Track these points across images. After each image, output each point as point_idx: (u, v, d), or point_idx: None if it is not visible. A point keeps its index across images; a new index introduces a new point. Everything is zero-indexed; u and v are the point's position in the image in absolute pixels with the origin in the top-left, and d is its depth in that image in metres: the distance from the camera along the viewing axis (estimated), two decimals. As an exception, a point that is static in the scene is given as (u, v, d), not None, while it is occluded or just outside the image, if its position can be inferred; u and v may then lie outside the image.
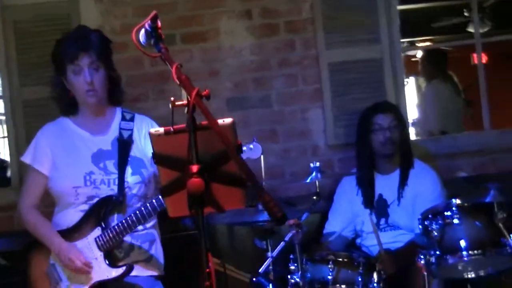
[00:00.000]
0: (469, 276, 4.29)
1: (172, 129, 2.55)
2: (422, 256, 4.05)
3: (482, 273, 4.27)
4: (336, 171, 5.61)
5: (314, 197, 4.29)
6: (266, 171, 5.19)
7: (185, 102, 2.49)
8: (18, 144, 5.47)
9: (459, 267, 4.22)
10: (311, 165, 4.33)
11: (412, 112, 10.02)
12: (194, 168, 2.44)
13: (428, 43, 9.47)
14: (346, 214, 5.11)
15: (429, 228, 4.14)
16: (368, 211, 4.99)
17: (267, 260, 4.03)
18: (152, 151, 2.64)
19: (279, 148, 5.64)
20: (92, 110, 4.02)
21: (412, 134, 7.91)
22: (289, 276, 4.23)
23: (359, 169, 5.10)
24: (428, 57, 7.43)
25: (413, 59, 9.61)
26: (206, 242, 2.47)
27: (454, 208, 4.10)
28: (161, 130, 2.58)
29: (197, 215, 2.47)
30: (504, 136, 5.72)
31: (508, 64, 10.22)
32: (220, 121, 2.53)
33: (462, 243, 4.05)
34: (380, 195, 5.00)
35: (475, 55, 11.17)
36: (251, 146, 3.73)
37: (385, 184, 5.02)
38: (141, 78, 5.60)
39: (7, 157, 5.79)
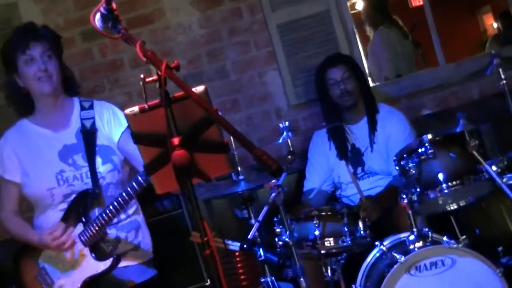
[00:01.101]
0: (451, 208, 4.35)
1: (146, 106, 2.52)
2: (404, 196, 4.08)
3: (463, 203, 4.33)
4: (301, 130, 5.64)
5: (289, 156, 4.28)
6: (234, 140, 5.22)
7: (155, 77, 2.46)
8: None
9: (441, 201, 4.27)
10: (280, 125, 4.33)
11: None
12: (176, 140, 2.43)
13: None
14: (323, 169, 5.15)
15: (406, 168, 4.16)
16: (344, 162, 5.03)
17: (254, 226, 4.02)
18: (130, 131, 2.62)
19: (242, 116, 5.66)
20: (48, 103, 3.90)
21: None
22: (276, 239, 4.24)
23: (328, 123, 5.12)
24: (371, 5, 7.44)
25: (353, 11, 9.66)
26: (200, 212, 2.45)
27: (427, 144, 4.11)
28: (136, 109, 2.56)
29: (186, 187, 2.45)
30: (459, 69, 5.79)
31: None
32: (194, 89, 2.51)
33: (440, 176, 4.08)
34: (353, 145, 5.05)
35: (412, -1, 11.32)
36: None
37: (356, 134, 5.06)
38: (94, 70, 5.57)
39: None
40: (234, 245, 4.16)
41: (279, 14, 5.65)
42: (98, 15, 2.68)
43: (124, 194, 3.69)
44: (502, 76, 4.06)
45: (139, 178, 3.65)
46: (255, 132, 5.63)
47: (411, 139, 4.85)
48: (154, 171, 2.64)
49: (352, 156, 5.05)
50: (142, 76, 2.50)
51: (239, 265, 4.80)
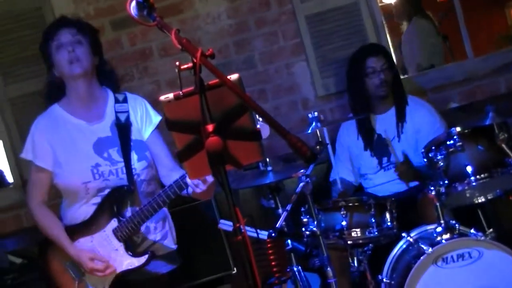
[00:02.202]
0: (479, 200, 4.36)
1: (181, 93, 2.55)
2: (432, 188, 4.09)
3: (490, 196, 4.33)
4: (328, 121, 5.64)
5: (318, 147, 4.29)
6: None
7: (190, 64, 2.49)
8: (13, 143, 5.47)
9: (468, 193, 4.28)
10: (310, 115, 4.36)
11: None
12: (210, 127, 2.46)
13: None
14: (349, 160, 5.18)
15: (434, 160, 4.18)
16: (369, 152, 5.05)
17: (283, 215, 4.05)
18: (164, 118, 2.64)
19: (269, 106, 5.67)
20: (81, 90, 3.89)
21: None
22: (303, 229, 4.26)
23: (355, 113, 5.14)
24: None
25: (381, 4, 9.64)
26: (232, 198, 2.48)
27: (455, 136, 4.13)
28: (171, 96, 2.58)
29: (219, 173, 2.48)
30: (487, 62, 5.77)
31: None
32: (229, 77, 2.54)
33: (469, 169, 4.09)
34: (379, 135, 5.06)
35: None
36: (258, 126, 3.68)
37: (383, 124, 5.07)
38: (123, 59, 5.61)
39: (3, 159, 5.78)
40: (262, 234, 4.19)
41: (308, 5, 5.66)
42: (133, 3, 2.70)
43: (162, 194, 3.71)
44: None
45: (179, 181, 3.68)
46: (282, 122, 5.52)
47: (442, 131, 4.85)
48: (187, 157, 2.66)
49: (377, 145, 5.06)
50: (177, 63, 2.52)
51: (270, 251, 4.83)
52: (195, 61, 2.46)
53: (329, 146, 4.54)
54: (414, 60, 7.06)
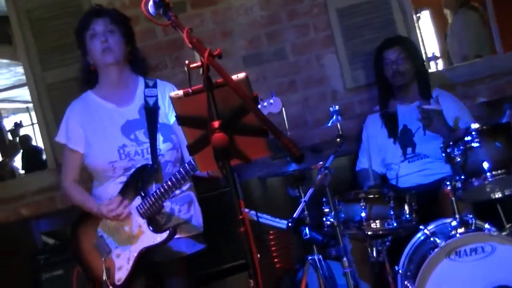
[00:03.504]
0: (496, 196, 4.40)
1: (190, 90, 2.68)
2: (448, 183, 4.17)
3: (508, 191, 4.37)
4: (357, 113, 5.74)
5: (338, 140, 4.40)
6: (289, 121, 5.36)
7: (199, 63, 2.62)
8: (49, 127, 5.64)
9: (485, 189, 4.33)
10: (331, 109, 4.47)
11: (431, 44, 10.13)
12: (216, 123, 2.58)
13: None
14: (374, 150, 5.27)
15: (452, 155, 4.24)
16: (392, 141, 5.14)
17: (300, 205, 4.17)
18: (175, 113, 2.78)
19: (299, 97, 5.78)
20: (113, 77, 4.10)
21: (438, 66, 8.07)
22: (324, 219, 4.39)
23: (381, 103, 5.26)
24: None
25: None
26: (237, 190, 2.60)
27: (473, 133, 4.19)
28: (180, 92, 2.72)
29: (225, 167, 2.61)
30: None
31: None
32: (234, 77, 2.66)
33: (485, 164, 4.14)
34: (405, 126, 5.15)
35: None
36: (271, 101, 3.80)
37: (408, 115, 5.15)
38: (156, 48, 5.74)
39: (39, 143, 5.98)
40: (282, 223, 4.31)
41: (340, -2, 5.75)
42: (150, 2, 2.84)
43: (182, 170, 3.83)
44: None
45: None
46: (310, 113, 5.75)
47: (467, 118, 4.96)
48: (197, 151, 2.80)
49: (402, 136, 5.14)
50: (186, 62, 2.65)
51: (272, 242, 4.94)
52: (202, 60, 2.57)
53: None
54: (460, 51, 7.13)
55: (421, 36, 9.70)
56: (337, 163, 5.15)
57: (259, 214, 4.23)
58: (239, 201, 2.59)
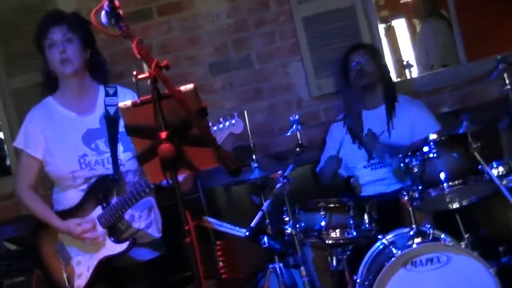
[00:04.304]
0: (454, 206, 4.45)
1: (138, 101, 2.70)
2: (405, 193, 4.21)
3: (465, 202, 4.42)
4: (322, 122, 5.78)
5: (297, 149, 4.43)
6: (255, 129, 5.38)
7: (147, 74, 2.63)
8: (13, 133, 5.59)
9: (443, 199, 4.38)
10: (291, 118, 4.49)
11: (406, 52, 10.19)
12: (163, 134, 2.60)
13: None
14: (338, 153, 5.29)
15: (410, 166, 4.29)
16: (357, 145, 5.19)
17: (258, 215, 4.19)
18: (124, 123, 2.79)
19: (264, 105, 5.82)
20: (73, 85, 4.05)
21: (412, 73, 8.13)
22: (284, 227, 4.42)
23: (346, 109, 5.34)
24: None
25: (402, 1, 9.72)
26: (183, 201, 2.62)
27: (431, 143, 4.24)
28: (129, 103, 2.74)
29: (171, 178, 2.62)
30: (480, 68, 5.81)
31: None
32: (182, 88, 2.68)
33: (442, 175, 4.19)
34: (369, 130, 5.17)
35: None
36: (233, 121, 3.79)
37: (373, 118, 5.21)
38: (124, 54, 5.72)
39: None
40: (241, 232, 4.32)
41: (306, 6, 5.78)
42: (103, 13, 2.85)
43: (143, 183, 3.81)
44: (507, 81, 4.14)
45: None
46: (276, 121, 5.77)
47: (437, 128, 5.00)
48: (146, 161, 2.82)
49: (366, 139, 5.18)
50: (134, 72, 2.67)
51: (219, 253, 4.95)
52: (150, 71, 2.58)
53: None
54: (427, 60, 7.17)
55: (390, 44, 9.85)
56: (300, 172, 5.23)
57: (218, 223, 4.24)
58: (185, 212, 2.59)
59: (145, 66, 2.69)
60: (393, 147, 4.97)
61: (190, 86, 2.70)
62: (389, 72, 5.44)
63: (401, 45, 10.30)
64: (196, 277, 2.60)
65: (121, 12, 2.87)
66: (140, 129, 2.76)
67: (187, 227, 2.63)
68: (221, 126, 3.72)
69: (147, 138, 2.76)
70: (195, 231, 2.67)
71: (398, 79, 6.30)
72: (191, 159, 2.79)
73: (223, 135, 3.74)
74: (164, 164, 2.59)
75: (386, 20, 10.47)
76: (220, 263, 4.93)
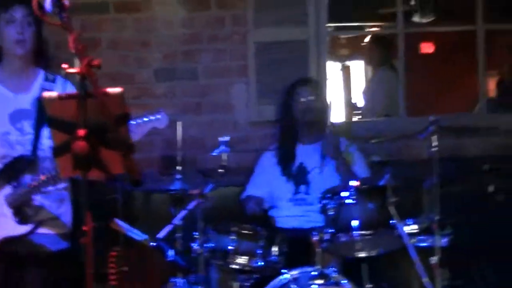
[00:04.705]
0: (361, 255, 4.50)
1: (64, 95, 2.70)
2: (316, 233, 4.27)
3: (373, 253, 4.47)
4: (255, 148, 5.81)
5: (220, 170, 4.47)
6: (188, 141, 5.39)
7: (77, 69, 2.64)
8: None
9: (352, 246, 4.43)
10: (220, 139, 4.53)
11: (357, 96, 10.32)
12: (82, 132, 2.61)
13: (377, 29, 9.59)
14: (263, 185, 5.31)
15: (326, 207, 4.35)
16: (285, 178, 5.21)
17: (167, 227, 4.21)
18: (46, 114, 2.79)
19: (202, 120, 5.85)
20: (16, 65, 4.05)
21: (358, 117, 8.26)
22: (192, 244, 4.44)
23: (281, 140, 5.33)
24: (376, 43, 7.65)
25: (363, 44, 9.85)
26: (86, 201, 2.62)
27: (352, 190, 4.31)
28: (54, 94, 2.74)
29: (82, 176, 2.63)
30: (419, 123, 5.91)
31: (454, 54, 10.48)
32: (110, 90, 2.69)
33: (355, 222, 4.26)
34: (301, 163, 5.21)
35: (423, 45, 11.48)
36: (158, 116, 3.82)
37: (307, 153, 5.23)
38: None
39: None
40: (149, 241, 4.33)
41: (261, 32, 5.84)
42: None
43: (55, 172, 3.78)
44: (433, 144, 4.22)
45: None
46: (211, 138, 5.74)
47: (366, 174, 5.08)
48: (60, 154, 2.82)
49: (297, 173, 5.21)
50: (64, 66, 2.67)
51: (112, 259, 4.94)
52: (80, 68, 2.59)
53: None
54: (372, 108, 7.26)
55: (345, 84, 9.96)
56: (223, 193, 5.23)
57: (128, 228, 4.24)
58: (87, 213, 2.59)
59: (77, 61, 2.67)
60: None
61: (117, 90, 2.71)
62: (329, 112, 5.50)
63: (354, 86, 10.44)
64: (84, 278, 2.59)
65: (67, 3, 2.84)
66: (60, 122, 2.76)
67: (85, 227, 2.62)
68: (145, 119, 3.74)
69: (65, 132, 2.76)
70: (106, 232, 2.68)
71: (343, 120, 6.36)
72: (105, 162, 2.79)
73: (145, 129, 3.75)
74: (76, 161, 2.60)
75: (344, 59, 10.62)
76: (111, 269, 4.91)
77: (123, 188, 5.22)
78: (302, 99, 5.22)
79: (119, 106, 2.68)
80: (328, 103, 5.47)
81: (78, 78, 2.66)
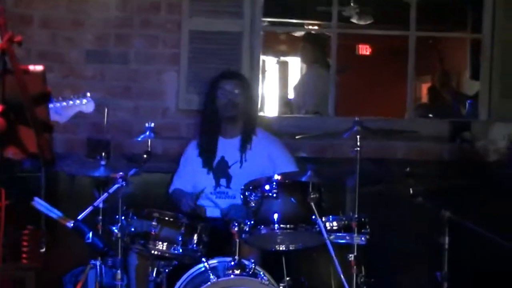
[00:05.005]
0: (280, 248, 4.54)
1: (-17, 70, 2.65)
2: (236, 224, 4.28)
3: (292, 247, 4.52)
4: (182, 135, 5.81)
5: (144, 156, 4.45)
6: (114, 125, 5.36)
7: (-2, 45, 2.59)
8: None
9: (271, 238, 4.47)
10: (146, 124, 4.51)
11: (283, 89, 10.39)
12: (-1, 108, 2.57)
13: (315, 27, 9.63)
14: (188, 177, 5.32)
15: (248, 199, 4.38)
16: (206, 170, 5.22)
17: (87, 209, 4.18)
18: None
19: (130, 105, 5.81)
20: None
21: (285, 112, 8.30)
22: (112, 228, 4.41)
23: (202, 132, 5.33)
24: (309, 41, 7.68)
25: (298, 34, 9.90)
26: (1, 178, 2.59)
27: (274, 183, 4.34)
28: (-27, 69, 2.68)
29: (-3, 153, 2.59)
30: (345, 123, 5.97)
31: (392, 58, 10.63)
32: (31, 67, 2.65)
33: (276, 216, 4.30)
34: (222, 157, 5.23)
35: (360, 46, 11.62)
36: (84, 101, 3.80)
37: (228, 147, 5.24)
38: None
39: None
40: (68, 222, 4.28)
41: (195, 20, 5.82)
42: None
43: None
44: (358, 143, 4.27)
45: None
46: (137, 123, 5.72)
47: (292, 167, 5.09)
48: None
49: (218, 167, 5.23)
50: (-16, 40, 2.62)
51: (24, 237, 4.90)
52: (1, 43, 2.55)
53: None
54: (303, 105, 7.28)
55: (281, 79, 10.00)
56: (147, 178, 5.23)
57: (48, 208, 4.18)
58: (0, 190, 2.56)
59: (-1, 37, 2.63)
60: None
61: (40, 67, 2.67)
62: (255, 106, 5.52)
63: (291, 82, 10.50)
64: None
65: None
66: (-23, 98, 2.70)
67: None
68: (70, 102, 3.71)
69: (-18, 109, 2.71)
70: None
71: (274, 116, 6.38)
72: (23, 140, 2.75)
73: (71, 112, 3.72)
74: (-8, 138, 2.56)
75: (282, 55, 10.68)
76: (24, 248, 4.87)
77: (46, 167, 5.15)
78: (225, 93, 5.22)
79: (39, 85, 2.64)
80: (256, 98, 5.49)
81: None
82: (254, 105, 5.46)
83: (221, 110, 5.22)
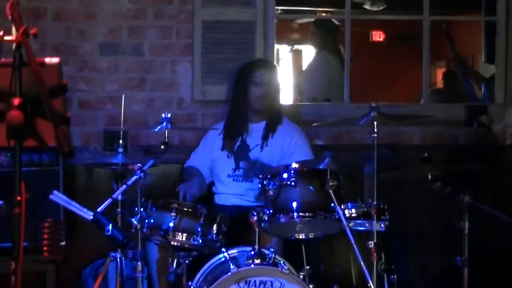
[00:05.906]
0: (300, 237, 4.53)
1: (-2, 63, 2.65)
2: (255, 213, 4.27)
3: (311, 235, 4.51)
4: (198, 126, 5.81)
5: (162, 147, 4.44)
6: (129, 117, 5.36)
7: (13, 38, 2.59)
8: None
9: (291, 227, 4.46)
10: (162, 115, 4.50)
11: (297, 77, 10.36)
12: (16, 101, 2.56)
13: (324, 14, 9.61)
14: (206, 156, 5.36)
15: (266, 188, 4.36)
16: (226, 153, 5.23)
17: (107, 201, 4.17)
18: None
19: (145, 96, 5.78)
20: None
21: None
22: (131, 220, 4.41)
23: (231, 119, 5.36)
24: (319, 27, 7.64)
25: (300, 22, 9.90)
26: (20, 172, 2.58)
27: (292, 172, 4.33)
28: (-11, 62, 2.68)
29: (14, 147, 2.58)
30: (360, 110, 5.94)
31: (405, 43, 10.61)
32: (47, 60, 2.64)
33: (294, 204, 4.29)
34: (244, 140, 5.27)
35: (373, 32, 11.60)
36: None
37: (251, 131, 5.29)
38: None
39: None
40: (88, 214, 4.29)
41: (208, 11, 5.78)
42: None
43: None
44: (375, 129, 4.24)
45: None
46: (153, 114, 5.71)
47: (309, 155, 5.12)
48: (-9, 124, 2.76)
49: (238, 149, 5.25)
50: (1, 33, 2.61)
51: (45, 230, 4.90)
52: (16, 36, 2.55)
53: None
54: (311, 92, 7.26)
55: (295, 67, 9.97)
56: (165, 170, 5.24)
57: (67, 200, 4.19)
58: (20, 183, 2.55)
59: (14, 29, 2.62)
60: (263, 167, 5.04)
61: (55, 60, 2.67)
62: (279, 93, 5.52)
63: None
64: (15, 250, 2.55)
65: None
66: (-6, 90, 2.70)
67: (19, 198, 2.58)
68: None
69: (-1, 101, 2.71)
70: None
71: (290, 103, 6.36)
72: (40, 132, 2.75)
73: None
74: (10, 131, 2.55)
75: (296, 44, 10.64)
76: (45, 241, 4.87)
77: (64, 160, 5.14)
78: (260, 83, 5.23)
79: (55, 77, 2.64)
80: (279, 86, 5.49)
81: (14, 46, 2.59)
82: (279, 94, 5.46)
83: (253, 101, 5.24)
